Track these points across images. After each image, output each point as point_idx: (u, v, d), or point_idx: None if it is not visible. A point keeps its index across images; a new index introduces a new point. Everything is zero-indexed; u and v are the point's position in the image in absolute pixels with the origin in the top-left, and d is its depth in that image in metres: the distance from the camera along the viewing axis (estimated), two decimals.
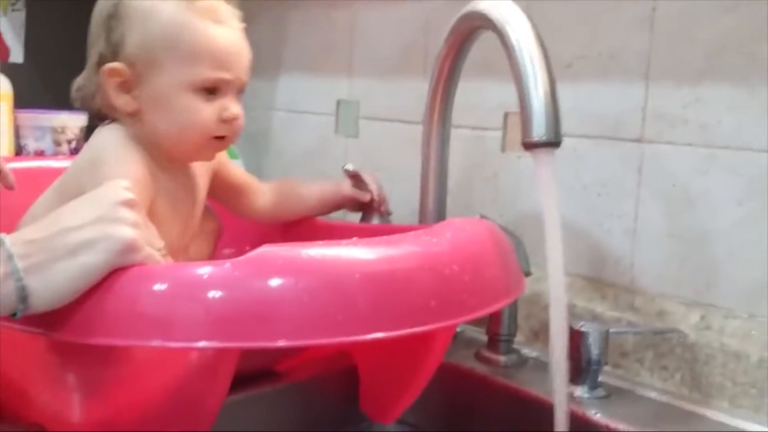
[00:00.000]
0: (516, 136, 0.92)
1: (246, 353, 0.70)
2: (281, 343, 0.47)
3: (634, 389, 0.76)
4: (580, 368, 0.74)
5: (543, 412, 0.72)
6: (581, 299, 0.85)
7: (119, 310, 0.48)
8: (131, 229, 0.50)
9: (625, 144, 0.83)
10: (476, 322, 0.89)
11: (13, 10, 1.46)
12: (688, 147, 0.78)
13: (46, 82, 1.42)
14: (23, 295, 0.48)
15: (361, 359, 0.77)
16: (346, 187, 0.90)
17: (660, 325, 0.78)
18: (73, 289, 0.49)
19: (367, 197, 0.89)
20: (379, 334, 0.49)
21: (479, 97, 0.95)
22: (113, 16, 0.70)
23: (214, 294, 0.48)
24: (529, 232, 0.84)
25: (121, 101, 0.70)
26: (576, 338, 0.74)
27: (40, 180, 0.77)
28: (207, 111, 0.70)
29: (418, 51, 1.04)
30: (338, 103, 1.16)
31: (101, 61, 0.70)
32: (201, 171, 0.81)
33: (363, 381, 0.77)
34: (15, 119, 1.10)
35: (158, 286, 0.48)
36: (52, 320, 0.50)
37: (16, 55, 1.46)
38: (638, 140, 0.82)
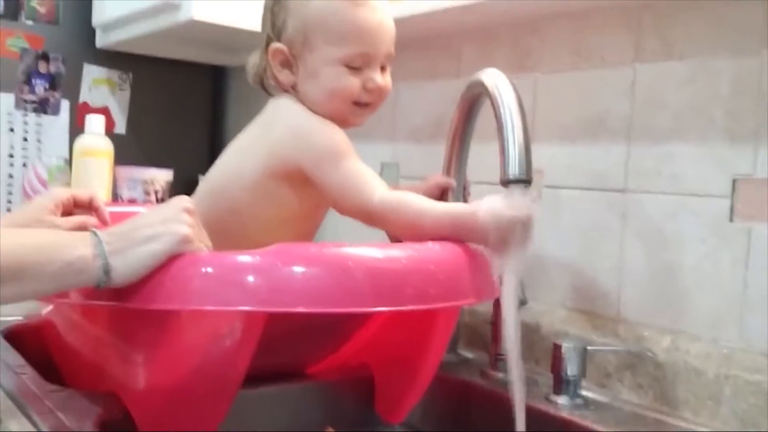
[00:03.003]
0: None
1: (280, 353, 0.86)
2: (300, 309, 0.63)
3: (611, 402, 0.88)
4: (561, 379, 0.86)
5: (529, 417, 0.85)
6: (575, 329, 0.97)
7: (175, 283, 0.65)
8: (187, 227, 0.68)
9: (611, 194, 0.96)
10: (484, 348, 1.03)
11: (120, 90, 1.73)
12: (662, 195, 0.91)
13: (141, 148, 1.68)
14: (107, 270, 0.65)
15: (375, 363, 0.91)
16: (433, 178, 0.99)
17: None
18: (143, 267, 0.66)
19: (453, 182, 0.99)
20: (367, 309, 0.65)
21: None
22: (277, 4, 0.88)
23: (247, 273, 0.64)
24: (529, 270, 0.98)
25: (283, 76, 0.87)
26: (557, 353, 0.86)
27: None
28: (353, 81, 0.83)
29: (447, 121, 1.20)
30: (382, 165, 1.34)
31: (268, 43, 0.88)
32: None
33: (377, 383, 0.91)
34: (114, 172, 1.33)
35: (205, 267, 0.65)
36: (124, 294, 0.67)
37: (120, 127, 1.73)
38: (622, 190, 0.95)
